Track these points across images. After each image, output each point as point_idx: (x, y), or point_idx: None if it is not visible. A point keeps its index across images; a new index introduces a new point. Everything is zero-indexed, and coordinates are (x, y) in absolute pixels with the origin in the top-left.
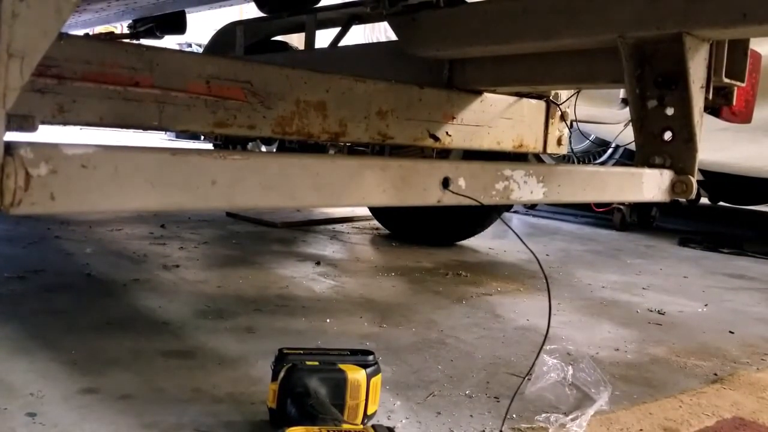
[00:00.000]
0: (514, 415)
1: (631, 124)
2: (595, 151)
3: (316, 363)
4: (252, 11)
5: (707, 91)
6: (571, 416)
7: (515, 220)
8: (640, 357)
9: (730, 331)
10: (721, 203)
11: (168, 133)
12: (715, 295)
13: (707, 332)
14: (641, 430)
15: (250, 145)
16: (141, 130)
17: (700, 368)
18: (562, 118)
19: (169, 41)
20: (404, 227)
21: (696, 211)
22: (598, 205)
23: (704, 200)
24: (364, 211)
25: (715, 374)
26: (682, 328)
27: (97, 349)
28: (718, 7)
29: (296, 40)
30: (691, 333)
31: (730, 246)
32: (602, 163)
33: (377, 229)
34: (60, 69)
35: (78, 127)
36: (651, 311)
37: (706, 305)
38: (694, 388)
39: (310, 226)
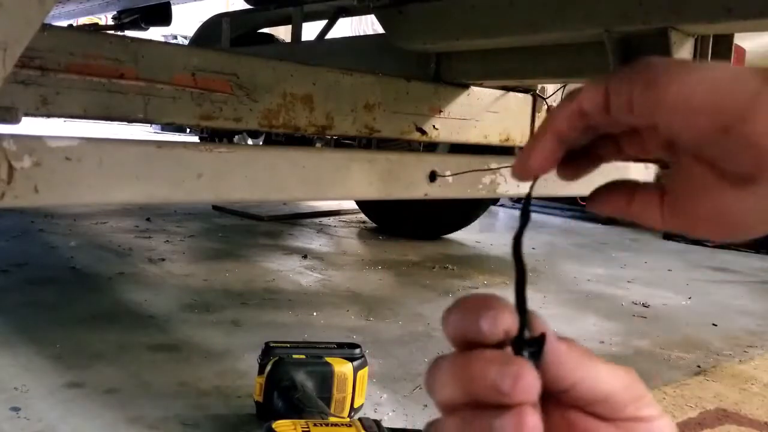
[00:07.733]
0: None
1: None
2: None
3: (303, 356)
4: (238, 3)
5: None
6: None
7: (501, 213)
8: (625, 349)
9: (714, 324)
10: None
11: (153, 125)
12: (699, 288)
13: (691, 325)
14: None
15: (236, 138)
16: (126, 123)
17: (683, 360)
18: (549, 111)
19: (155, 33)
20: (391, 220)
21: None
22: (584, 198)
23: None
24: (351, 205)
25: (699, 366)
26: (666, 320)
27: (82, 342)
28: (703, 2)
29: (283, 32)
30: (674, 325)
31: None
32: None
33: (364, 222)
34: (43, 60)
35: (62, 120)
36: (635, 304)
37: (689, 298)
38: (677, 380)
39: (297, 219)
